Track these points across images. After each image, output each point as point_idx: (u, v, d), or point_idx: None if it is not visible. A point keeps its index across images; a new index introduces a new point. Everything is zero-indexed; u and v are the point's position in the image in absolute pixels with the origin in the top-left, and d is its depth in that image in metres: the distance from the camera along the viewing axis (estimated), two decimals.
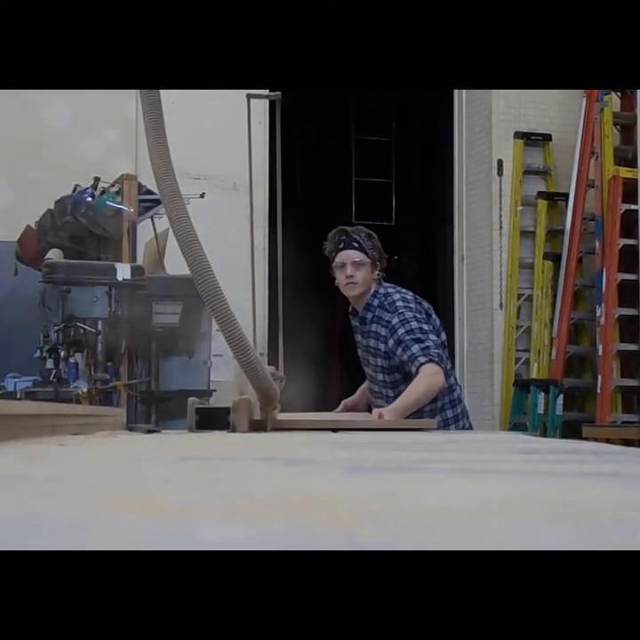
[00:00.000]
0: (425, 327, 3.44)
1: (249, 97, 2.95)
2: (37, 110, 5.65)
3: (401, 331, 3.40)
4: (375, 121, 10.03)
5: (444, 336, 3.61)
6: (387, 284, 3.61)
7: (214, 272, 2.26)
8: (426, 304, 3.62)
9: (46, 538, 0.59)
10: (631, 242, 6.18)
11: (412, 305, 3.52)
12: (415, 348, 3.34)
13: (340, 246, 3.52)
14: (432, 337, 3.42)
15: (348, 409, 3.83)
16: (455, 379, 3.82)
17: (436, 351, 3.36)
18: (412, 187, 10.20)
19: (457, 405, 3.62)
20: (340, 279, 3.54)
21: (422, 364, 3.30)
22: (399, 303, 3.50)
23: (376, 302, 3.54)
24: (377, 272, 3.55)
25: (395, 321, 3.44)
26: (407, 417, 3.22)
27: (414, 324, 3.42)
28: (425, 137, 9.50)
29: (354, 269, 3.49)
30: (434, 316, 3.61)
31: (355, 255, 3.50)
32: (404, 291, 3.63)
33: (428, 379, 3.29)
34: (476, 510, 0.75)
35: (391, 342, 3.43)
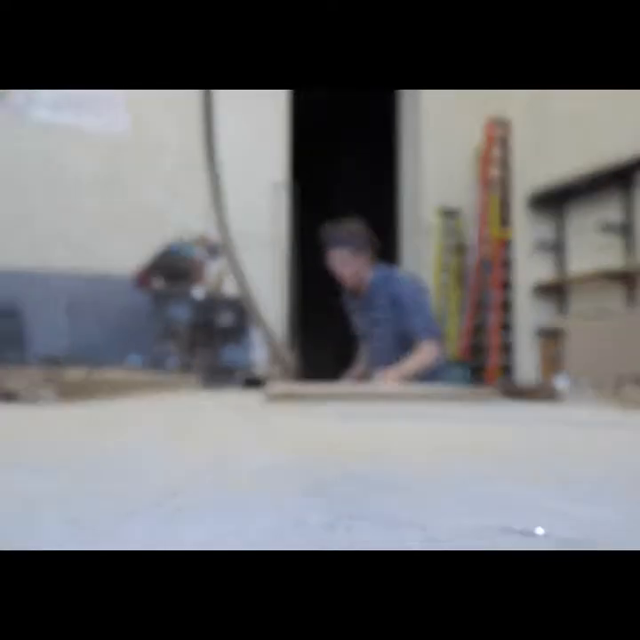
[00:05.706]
0: (425, 298, 2.58)
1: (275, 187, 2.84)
2: (139, 191, 5.59)
3: (405, 299, 2.51)
4: None
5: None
6: (382, 266, 2.64)
7: (254, 293, 2.24)
8: (423, 284, 2.72)
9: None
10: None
11: (411, 281, 2.65)
12: (418, 319, 2.48)
13: (327, 246, 2.55)
14: (427, 310, 2.53)
15: (360, 377, 2.71)
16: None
17: (436, 327, 2.52)
18: None
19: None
20: (335, 273, 2.59)
21: (423, 339, 2.46)
22: (399, 276, 2.60)
23: (378, 282, 2.57)
24: (369, 257, 2.57)
25: (398, 290, 2.53)
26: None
27: (418, 297, 2.55)
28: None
29: (343, 267, 2.54)
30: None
31: (341, 255, 2.52)
32: (400, 271, 2.75)
33: (427, 354, 2.45)
34: (421, 447, 0.72)
35: (397, 310, 2.53)
